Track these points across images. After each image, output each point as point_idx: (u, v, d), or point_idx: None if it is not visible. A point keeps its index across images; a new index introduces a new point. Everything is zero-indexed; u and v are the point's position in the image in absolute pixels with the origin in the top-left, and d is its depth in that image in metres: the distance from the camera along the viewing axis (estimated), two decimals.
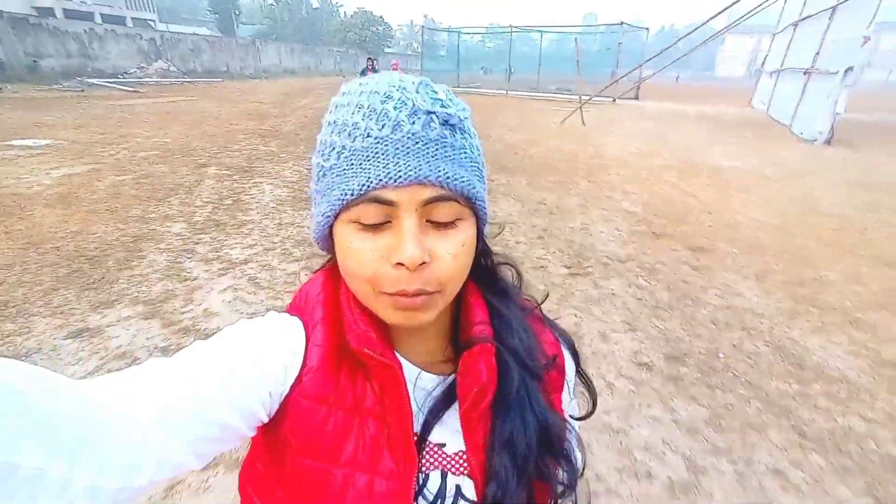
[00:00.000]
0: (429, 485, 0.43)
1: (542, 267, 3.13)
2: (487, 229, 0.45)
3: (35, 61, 15.89)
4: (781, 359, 2.20)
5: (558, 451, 0.45)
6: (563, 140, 8.34)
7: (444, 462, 0.44)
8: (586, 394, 0.53)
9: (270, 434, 0.41)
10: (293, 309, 0.46)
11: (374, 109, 0.36)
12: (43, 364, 1.84)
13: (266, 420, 0.40)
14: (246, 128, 8.41)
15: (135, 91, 14.75)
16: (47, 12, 22.93)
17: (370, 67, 9.43)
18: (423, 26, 25.88)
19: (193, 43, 23.95)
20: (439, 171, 0.36)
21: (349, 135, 0.37)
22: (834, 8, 9.85)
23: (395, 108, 0.36)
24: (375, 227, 0.37)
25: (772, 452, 1.65)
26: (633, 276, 3.02)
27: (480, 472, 0.43)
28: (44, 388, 0.26)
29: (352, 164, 0.36)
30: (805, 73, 10.45)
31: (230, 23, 41.42)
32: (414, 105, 0.36)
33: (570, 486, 0.46)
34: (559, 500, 0.46)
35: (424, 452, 0.43)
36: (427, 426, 0.43)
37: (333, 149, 0.38)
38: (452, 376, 0.44)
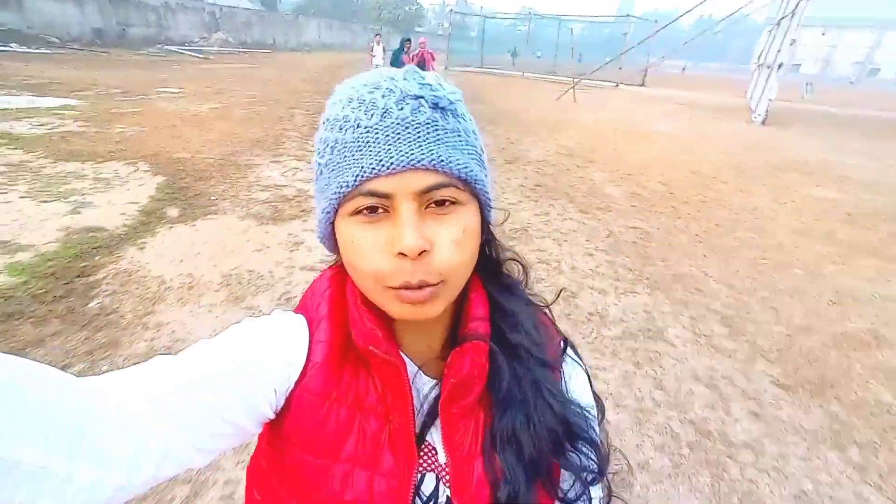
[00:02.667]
0: (424, 486, 0.44)
1: (492, 160, 5.73)
2: (492, 216, 0.44)
3: (124, 29, 18.95)
4: (590, 190, 4.78)
5: (582, 439, 0.45)
6: (550, 111, 10.77)
7: (438, 468, 0.44)
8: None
9: (274, 431, 0.42)
10: (300, 307, 0.47)
11: (363, 100, 0.36)
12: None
13: (272, 416, 0.41)
14: (307, 88, 11.10)
15: (205, 58, 17.63)
16: None
17: (406, 51, 9.38)
18: (451, 10, 27.91)
19: (246, 17, 26.76)
20: (432, 154, 0.35)
21: (340, 128, 0.37)
22: (793, 12, 11.78)
23: (382, 96, 0.36)
24: (375, 219, 0.37)
25: (564, 210, 4.25)
26: (540, 166, 5.61)
27: (456, 471, 0.43)
28: (45, 384, 0.27)
29: (344, 156, 0.36)
30: (758, 67, 12.49)
31: None
32: (402, 92, 0.36)
33: (600, 473, 0.45)
34: (589, 488, 0.45)
35: (422, 453, 0.44)
36: (425, 426, 0.44)
37: (327, 144, 0.38)
38: None
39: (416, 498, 0.43)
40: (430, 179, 0.36)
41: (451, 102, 0.38)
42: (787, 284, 3.06)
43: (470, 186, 0.38)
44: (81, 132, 5.20)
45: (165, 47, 18.83)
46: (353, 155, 0.36)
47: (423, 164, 0.35)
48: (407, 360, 0.44)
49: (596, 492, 0.47)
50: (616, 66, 18.77)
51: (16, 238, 2.70)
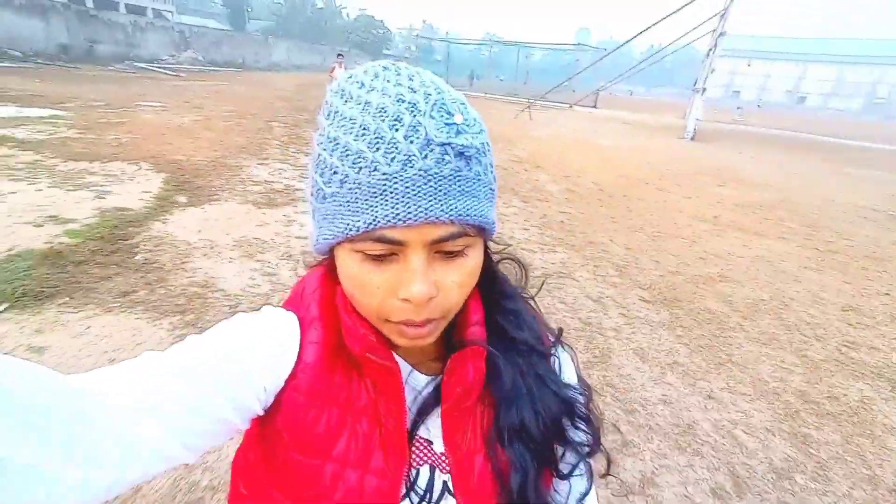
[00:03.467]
0: (419, 480, 0.44)
1: None
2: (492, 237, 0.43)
3: (91, 45, 19.03)
4: (534, 188, 5.73)
5: (581, 418, 0.48)
6: (507, 127, 11.91)
7: (433, 459, 0.45)
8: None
9: (263, 427, 0.42)
10: (289, 304, 0.46)
11: (382, 137, 0.33)
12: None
13: (261, 413, 0.40)
14: (282, 105, 11.80)
15: (176, 75, 17.97)
16: (79, 1, 25.91)
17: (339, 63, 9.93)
18: (417, 34, 29.41)
19: (216, 37, 27.19)
20: (451, 209, 0.34)
21: (353, 164, 0.34)
22: (714, 45, 13.63)
23: (405, 137, 0.33)
24: (381, 260, 0.36)
25: (509, 201, 5.16)
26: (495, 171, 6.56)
27: (458, 468, 0.44)
28: (35, 382, 0.27)
29: (356, 197, 0.34)
30: (693, 93, 14.24)
31: (241, 18, 44.46)
32: (426, 135, 0.33)
33: (596, 445, 0.48)
34: (588, 459, 0.48)
35: (414, 448, 0.44)
36: (416, 424, 0.44)
37: (335, 173, 0.36)
38: (441, 376, 0.44)
39: (412, 493, 0.43)
40: (445, 231, 0.35)
41: (478, 150, 0.36)
42: (671, 248, 4.05)
43: (481, 229, 0.38)
44: (79, 138, 5.72)
45: (135, 64, 19.02)
46: (366, 200, 0.34)
47: (441, 220, 0.34)
48: (401, 359, 0.44)
49: (580, 467, 0.49)
50: (570, 89, 20.48)
51: (61, 214, 3.30)
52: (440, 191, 0.34)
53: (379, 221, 0.34)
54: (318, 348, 0.41)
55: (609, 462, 0.51)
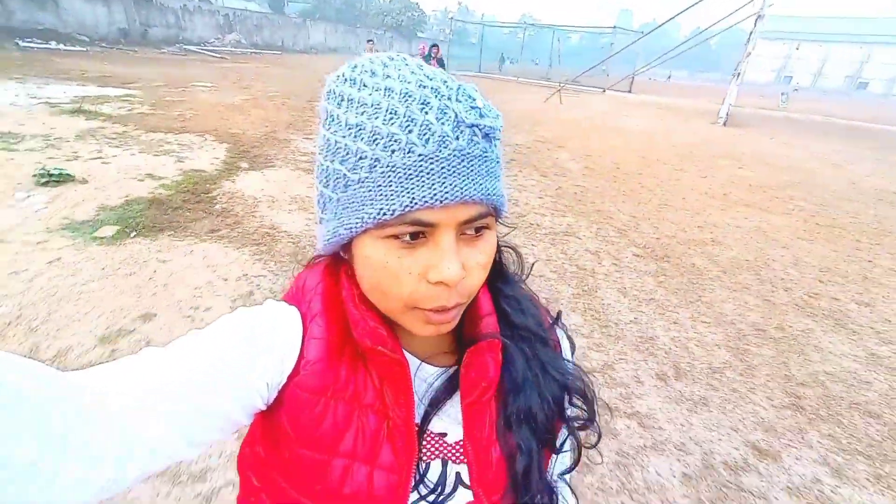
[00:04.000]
0: (429, 474, 0.44)
1: None
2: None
3: (146, 30, 20.35)
4: (553, 164, 6.16)
5: (579, 396, 0.50)
6: (537, 110, 12.19)
7: (446, 451, 0.45)
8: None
9: (269, 421, 0.42)
10: (290, 297, 0.46)
11: (414, 120, 0.34)
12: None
13: (264, 408, 0.40)
14: (321, 87, 12.49)
15: (222, 57, 19.02)
16: None
17: (434, 56, 9.48)
18: (451, 18, 29.44)
19: (257, 20, 28.23)
20: (483, 189, 0.35)
21: (385, 147, 0.34)
22: (755, 24, 13.28)
23: (437, 119, 0.34)
24: (413, 245, 0.36)
25: (529, 175, 5.62)
26: (518, 149, 6.99)
27: (477, 460, 0.45)
28: (35, 380, 0.26)
29: (390, 181, 0.34)
30: (734, 77, 13.97)
31: (280, 0, 45.45)
32: (457, 117, 0.34)
33: (591, 419, 0.51)
34: (584, 433, 0.51)
35: (425, 442, 0.44)
36: (427, 417, 0.44)
37: (362, 158, 0.36)
38: (454, 368, 0.45)
39: (422, 486, 0.44)
40: (475, 211, 0.36)
41: (498, 132, 0.37)
42: (673, 217, 4.45)
43: (498, 211, 0.39)
44: (152, 113, 6.55)
45: (184, 47, 20.23)
46: (402, 182, 0.34)
47: (473, 199, 0.35)
48: (409, 353, 0.45)
49: (568, 442, 0.51)
50: (605, 73, 20.25)
51: (154, 173, 4.05)
52: (472, 170, 0.35)
53: (416, 203, 0.34)
54: (321, 344, 0.41)
55: (600, 436, 0.52)
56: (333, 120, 0.39)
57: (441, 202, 0.34)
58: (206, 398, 0.35)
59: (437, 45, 10.22)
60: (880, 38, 62.20)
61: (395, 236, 0.36)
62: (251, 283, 2.59)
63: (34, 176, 3.52)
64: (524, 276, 0.54)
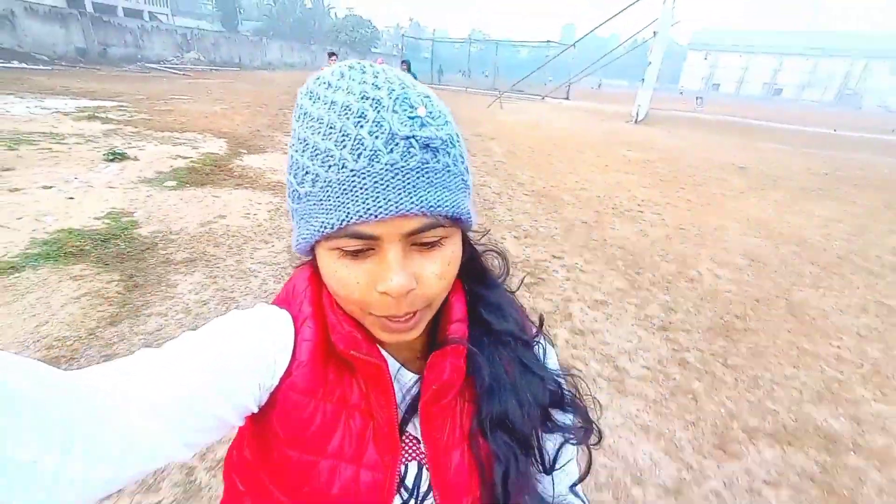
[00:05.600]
0: (406, 477, 0.46)
1: None
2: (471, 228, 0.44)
3: (104, 49, 20.93)
4: (483, 150, 7.98)
5: (569, 404, 0.51)
6: (478, 115, 14.17)
7: (420, 455, 0.47)
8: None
9: (258, 424, 0.43)
10: (281, 301, 0.47)
11: (348, 135, 0.35)
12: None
13: (255, 410, 0.41)
14: (286, 97, 13.90)
15: (184, 74, 19.94)
16: (77, 4, 27.51)
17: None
18: (403, 35, 31.55)
19: (215, 38, 29.12)
20: (421, 201, 0.35)
21: (322, 162, 0.36)
22: (654, 39, 15.97)
23: (370, 133, 0.34)
24: (358, 254, 0.37)
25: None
26: None
27: (434, 463, 0.46)
28: (37, 380, 0.27)
29: (328, 195, 0.36)
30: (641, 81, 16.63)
31: (233, 19, 46.12)
32: (390, 130, 0.34)
33: (588, 430, 0.51)
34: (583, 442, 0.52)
35: (403, 444, 0.46)
36: (405, 421, 0.46)
37: (307, 173, 0.37)
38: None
39: (402, 487, 0.45)
40: (418, 223, 0.36)
41: (444, 141, 0.36)
42: (562, 178, 6.32)
43: (455, 220, 0.39)
44: (151, 119, 7.84)
45: (146, 65, 20.95)
46: (337, 197, 0.35)
47: (412, 212, 0.35)
48: (389, 357, 0.46)
49: (570, 452, 0.52)
50: (551, 82, 22.74)
51: (181, 155, 5.48)
52: (408, 183, 0.35)
53: (351, 217, 0.35)
54: (311, 346, 0.43)
55: (601, 437, 0.52)
56: (294, 132, 0.40)
57: (375, 217, 0.34)
58: (201, 400, 0.36)
59: (407, 62, 10.84)
60: (792, 49, 70.27)
61: (340, 248, 0.37)
62: (271, 204, 4.16)
63: (104, 155, 4.89)
64: (516, 288, 0.56)
